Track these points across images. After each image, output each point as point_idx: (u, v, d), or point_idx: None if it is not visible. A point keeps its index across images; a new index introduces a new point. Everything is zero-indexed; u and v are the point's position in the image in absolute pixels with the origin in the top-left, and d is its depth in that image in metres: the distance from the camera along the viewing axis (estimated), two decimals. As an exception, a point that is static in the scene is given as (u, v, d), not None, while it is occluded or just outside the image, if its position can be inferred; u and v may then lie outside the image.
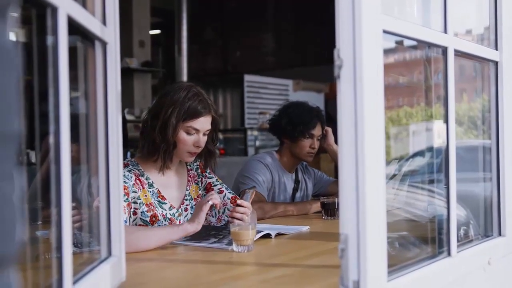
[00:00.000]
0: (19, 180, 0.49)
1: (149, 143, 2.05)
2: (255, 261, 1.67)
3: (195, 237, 1.93)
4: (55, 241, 0.94)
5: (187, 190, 2.18)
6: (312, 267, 1.57)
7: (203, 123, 2.05)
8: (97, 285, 1.15)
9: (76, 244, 1.22)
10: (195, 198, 2.19)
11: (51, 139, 0.93)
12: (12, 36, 0.48)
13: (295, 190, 2.95)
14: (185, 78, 7.42)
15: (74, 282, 1.00)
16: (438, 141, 1.77)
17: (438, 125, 1.71)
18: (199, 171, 2.25)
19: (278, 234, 2.03)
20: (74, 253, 0.99)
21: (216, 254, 1.73)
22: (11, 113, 0.46)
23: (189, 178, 2.21)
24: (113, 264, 1.26)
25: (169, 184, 2.13)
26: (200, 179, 2.24)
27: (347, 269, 1.08)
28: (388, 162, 1.17)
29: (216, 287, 1.38)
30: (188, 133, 2.03)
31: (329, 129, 2.92)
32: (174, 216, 2.09)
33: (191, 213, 2.14)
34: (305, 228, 2.19)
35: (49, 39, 0.94)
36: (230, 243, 1.79)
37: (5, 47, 0.46)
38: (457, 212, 1.44)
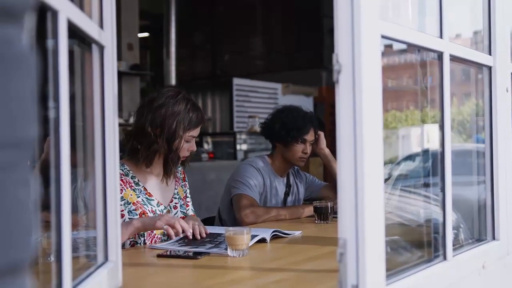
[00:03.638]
0: (33, 185, 0.49)
1: (150, 152, 2.07)
2: (251, 265, 1.66)
3: (191, 243, 1.91)
4: (54, 247, 0.93)
5: (175, 189, 2.26)
6: (308, 271, 1.57)
7: (199, 130, 2.18)
8: (95, 290, 1.13)
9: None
10: (182, 198, 2.27)
11: (51, 143, 0.92)
12: (28, 42, 0.48)
13: (286, 194, 2.94)
14: (173, 81, 7.41)
15: (73, 288, 0.99)
16: (429, 145, 1.78)
17: (428, 129, 1.72)
18: (182, 176, 2.34)
19: (274, 235, 2.03)
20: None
21: (212, 259, 1.72)
22: (28, 119, 0.45)
23: (177, 179, 2.29)
24: (110, 269, 1.25)
25: (157, 184, 2.18)
26: (184, 183, 2.34)
27: (345, 273, 1.08)
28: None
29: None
30: (187, 141, 2.14)
31: (321, 133, 2.92)
32: (162, 212, 2.14)
33: (180, 211, 2.23)
34: (297, 233, 2.19)
35: (49, 43, 0.93)
36: (227, 248, 1.78)
37: (22, 54, 0.46)
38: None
